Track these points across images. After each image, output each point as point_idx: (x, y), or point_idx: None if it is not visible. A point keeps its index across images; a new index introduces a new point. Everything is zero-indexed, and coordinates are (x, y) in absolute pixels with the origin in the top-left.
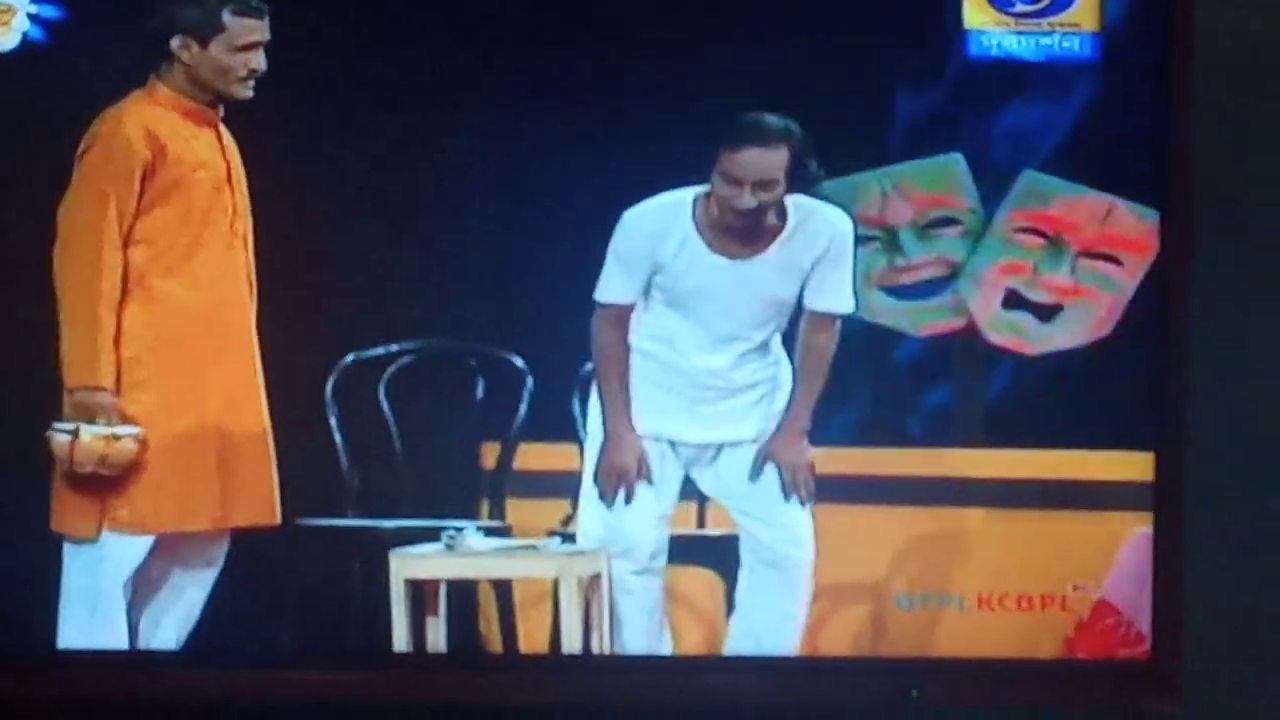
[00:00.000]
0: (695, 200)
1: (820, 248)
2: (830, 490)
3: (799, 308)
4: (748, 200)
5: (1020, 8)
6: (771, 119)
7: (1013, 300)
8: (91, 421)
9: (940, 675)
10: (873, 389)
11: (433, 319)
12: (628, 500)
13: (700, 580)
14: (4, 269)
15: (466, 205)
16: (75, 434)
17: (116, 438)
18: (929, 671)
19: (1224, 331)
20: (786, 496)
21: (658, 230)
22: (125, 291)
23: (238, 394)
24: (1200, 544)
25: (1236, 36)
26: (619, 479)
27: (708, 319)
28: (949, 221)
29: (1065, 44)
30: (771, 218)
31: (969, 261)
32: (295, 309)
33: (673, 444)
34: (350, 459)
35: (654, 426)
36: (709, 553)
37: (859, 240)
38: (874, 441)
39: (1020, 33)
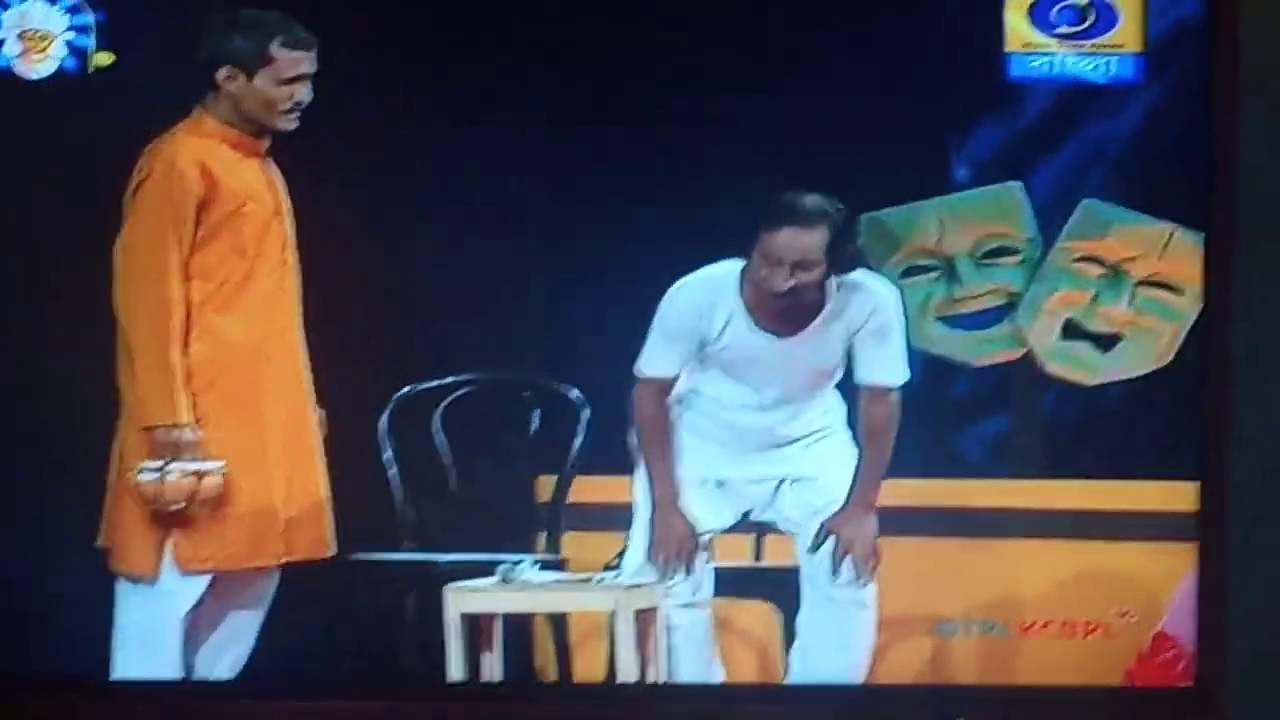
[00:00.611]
0: (743, 273)
1: (862, 320)
2: (885, 522)
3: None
4: (783, 282)
5: (1063, 29)
6: (811, 199)
7: (1071, 330)
8: (176, 457)
9: (985, 703)
10: (930, 419)
11: (488, 351)
12: (687, 573)
13: (757, 613)
14: (47, 295)
15: (523, 236)
16: (163, 472)
17: (205, 473)
18: (974, 699)
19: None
20: (835, 571)
21: (705, 305)
22: (185, 328)
23: (292, 427)
24: (1245, 567)
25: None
26: (675, 554)
27: (757, 384)
28: (1007, 251)
29: (1108, 65)
30: (813, 294)
31: (1027, 291)
32: (350, 341)
33: (721, 483)
34: (405, 492)
35: (702, 471)
36: (766, 585)
37: (916, 270)
38: (929, 472)
39: (1063, 54)
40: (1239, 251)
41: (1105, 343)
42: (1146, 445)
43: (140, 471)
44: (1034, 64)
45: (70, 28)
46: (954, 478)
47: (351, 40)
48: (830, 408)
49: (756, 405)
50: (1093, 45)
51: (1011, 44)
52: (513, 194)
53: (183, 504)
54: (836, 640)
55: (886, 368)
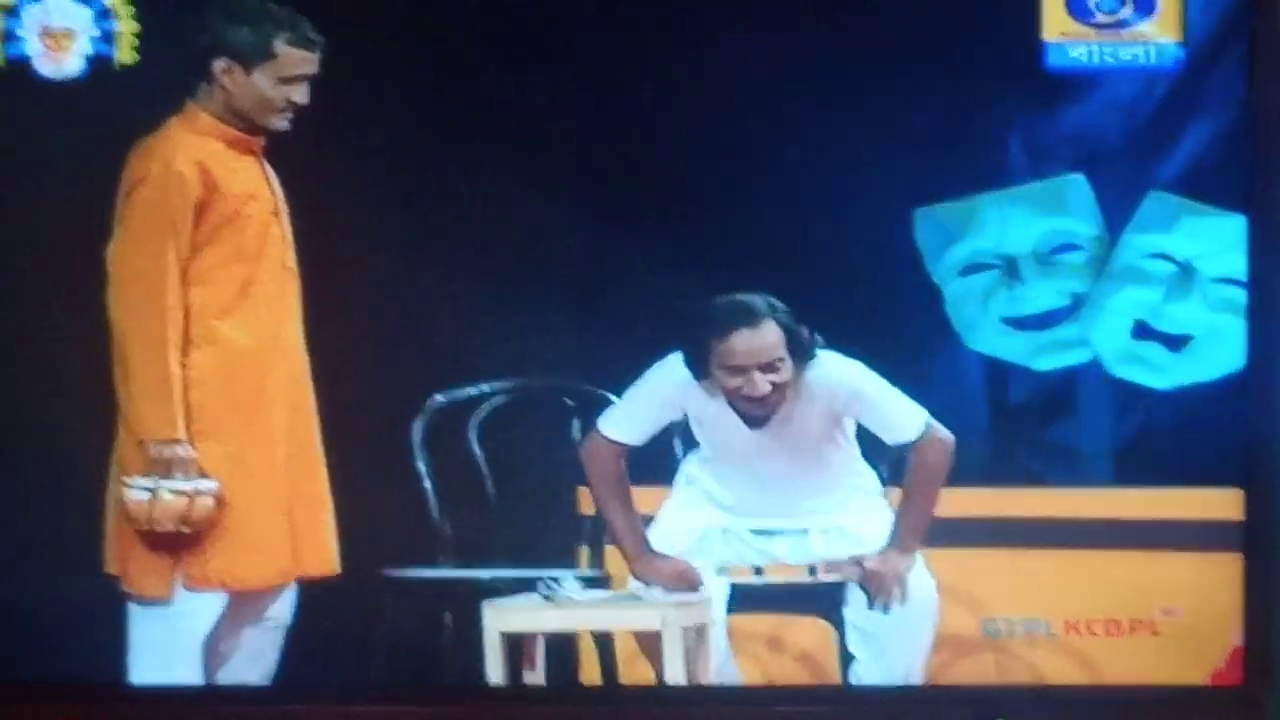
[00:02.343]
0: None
1: (837, 399)
2: (946, 532)
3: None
4: (757, 386)
5: (1100, 18)
6: (748, 299)
7: (1141, 331)
8: (168, 476)
9: (1028, 702)
10: (991, 426)
11: (526, 357)
12: (694, 590)
13: (812, 630)
14: (53, 299)
15: (564, 237)
16: (154, 492)
17: (198, 493)
18: (1017, 698)
19: None
20: (871, 605)
21: (690, 387)
22: (185, 335)
23: (299, 437)
24: None
25: None
26: (672, 584)
27: (755, 477)
28: (1071, 247)
29: (1147, 53)
30: (782, 398)
31: (1093, 290)
32: (382, 348)
33: (754, 531)
34: (441, 506)
35: (725, 521)
36: (820, 601)
37: (974, 269)
38: (989, 481)
39: (1101, 43)
40: None
41: (1176, 344)
42: (1223, 451)
43: (129, 489)
44: (1072, 53)
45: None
46: (1015, 486)
47: (373, 37)
48: (857, 472)
49: (762, 497)
50: (1130, 34)
51: (1049, 33)
52: (555, 193)
53: (171, 527)
54: (888, 649)
55: (895, 429)
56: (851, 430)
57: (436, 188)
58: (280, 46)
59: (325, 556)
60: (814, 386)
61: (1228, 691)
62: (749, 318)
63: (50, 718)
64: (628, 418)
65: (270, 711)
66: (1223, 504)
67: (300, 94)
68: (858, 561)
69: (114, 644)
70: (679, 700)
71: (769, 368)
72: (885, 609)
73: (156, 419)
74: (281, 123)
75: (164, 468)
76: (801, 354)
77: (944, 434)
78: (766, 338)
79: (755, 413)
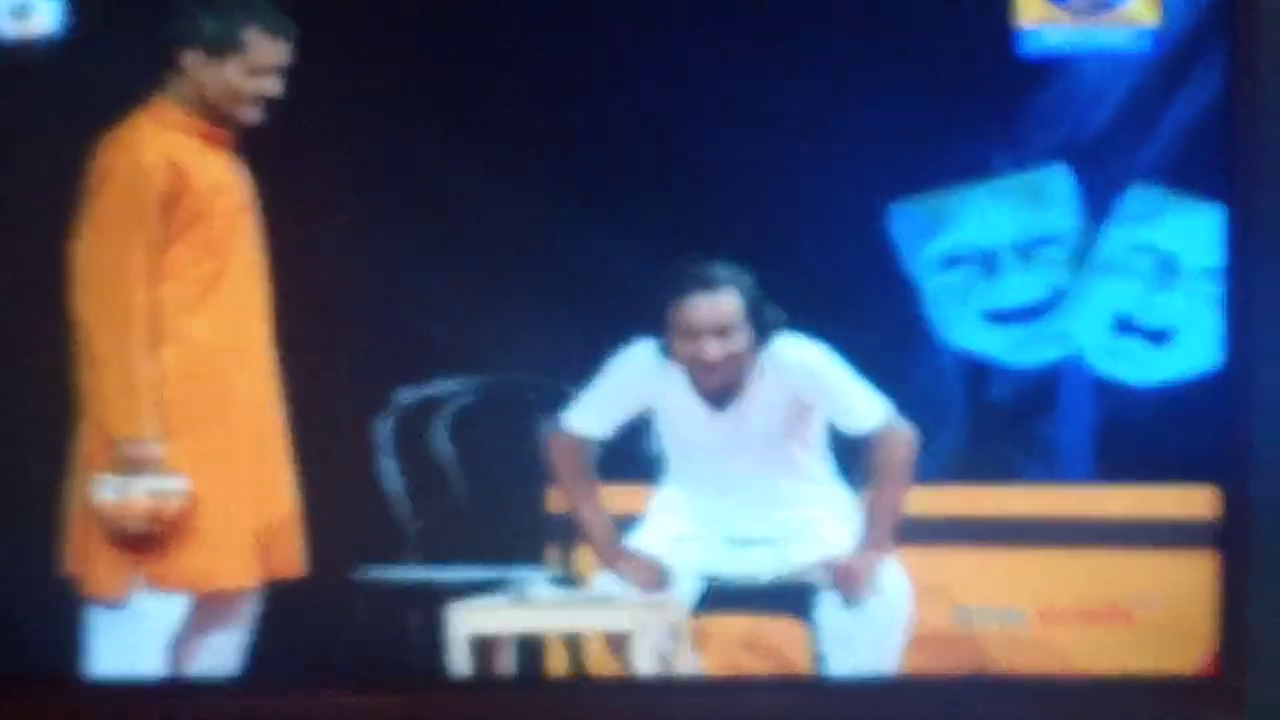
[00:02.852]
0: (663, 351)
1: (797, 382)
2: (922, 531)
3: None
4: (715, 351)
5: (1077, 3)
6: (710, 266)
7: (1123, 325)
8: (137, 475)
9: (1002, 692)
10: (971, 423)
11: (493, 353)
12: (662, 589)
13: (785, 630)
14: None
15: (531, 233)
16: (124, 490)
17: (168, 492)
18: (988, 689)
19: None
20: (844, 602)
21: (653, 374)
22: (153, 332)
23: (265, 436)
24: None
25: None
26: (640, 582)
27: (723, 480)
28: (1052, 241)
29: (1122, 38)
30: (739, 372)
31: (1075, 284)
32: (347, 345)
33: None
34: (407, 505)
35: (699, 529)
36: (792, 600)
37: (953, 262)
38: (971, 478)
39: (1077, 27)
40: (1263, 235)
41: (1159, 338)
42: (1201, 447)
43: (100, 487)
44: (1049, 38)
45: None
46: (993, 483)
47: (341, 28)
48: (829, 483)
49: (730, 516)
50: (1108, 18)
51: (1025, 18)
52: (521, 189)
53: (142, 526)
54: (860, 650)
55: (850, 414)
56: (820, 438)
57: (401, 184)
58: (250, 35)
59: (292, 557)
60: (774, 369)
61: (1204, 681)
62: (707, 283)
63: (10, 712)
64: (592, 409)
65: (233, 702)
66: (1199, 501)
67: (271, 85)
68: (828, 562)
69: (73, 637)
70: (649, 691)
71: (723, 333)
72: (854, 605)
73: (126, 417)
74: (252, 114)
75: (133, 466)
76: (762, 327)
77: (904, 427)
78: (723, 303)
79: (712, 384)
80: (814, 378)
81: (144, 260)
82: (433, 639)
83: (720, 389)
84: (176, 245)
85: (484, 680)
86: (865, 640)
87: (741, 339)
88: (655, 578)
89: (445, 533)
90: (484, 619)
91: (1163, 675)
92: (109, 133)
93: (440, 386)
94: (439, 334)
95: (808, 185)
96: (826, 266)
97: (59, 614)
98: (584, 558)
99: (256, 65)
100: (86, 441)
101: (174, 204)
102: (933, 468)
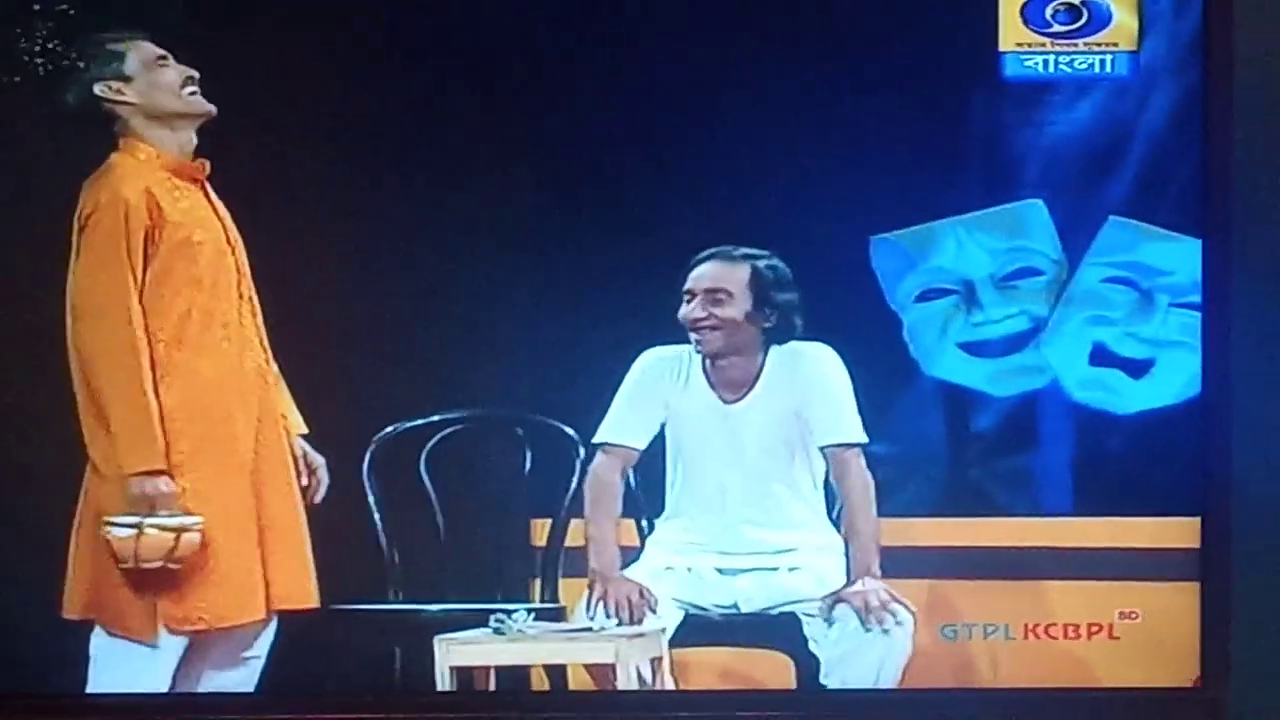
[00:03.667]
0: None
1: (805, 385)
2: (905, 563)
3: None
4: (696, 310)
5: (1056, 27)
6: (744, 248)
7: (1101, 356)
8: (151, 512)
9: (987, 705)
10: (949, 454)
11: (477, 387)
12: (635, 622)
13: (771, 664)
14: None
15: (514, 264)
16: (139, 528)
17: (183, 529)
18: (972, 702)
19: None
20: (866, 628)
21: (671, 368)
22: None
23: (271, 471)
24: (1251, 566)
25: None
26: (625, 610)
27: (720, 482)
28: (1029, 272)
29: (1102, 63)
30: (751, 355)
31: (1053, 315)
32: (328, 378)
33: (717, 570)
34: (390, 538)
35: (689, 560)
36: (779, 633)
37: (934, 295)
38: (949, 511)
39: (1057, 53)
40: (1240, 265)
41: (1137, 368)
42: (1181, 477)
43: (113, 526)
44: (1028, 63)
45: None
46: (975, 515)
47: (332, 48)
48: (821, 519)
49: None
50: (1086, 44)
51: (1005, 43)
52: (504, 219)
53: (158, 563)
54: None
55: (836, 426)
56: (817, 471)
57: (385, 216)
58: (127, 45)
59: (304, 589)
60: (785, 366)
61: (1186, 691)
62: (725, 255)
63: None
64: (620, 419)
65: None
66: (1180, 532)
67: (179, 70)
68: (837, 595)
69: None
70: (634, 706)
71: (715, 298)
72: (885, 630)
73: (137, 452)
74: (202, 103)
75: (148, 503)
76: (767, 307)
77: (863, 462)
78: (730, 272)
79: (712, 350)
80: (817, 373)
81: (136, 294)
82: (416, 673)
83: (722, 377)
84: (163, 280)
85: (467, 697)
86: (863, 670)
87: (735, 310)
88: (638, 607)
89: (429, 566)
90: (468, 652)
91: (1146, 687)
92: (89, 178)
93: (423, 420)
94: (424, 369)
95: (790, 217)
96: (808, 298)
97: (63, 633)
98: (567, 590)
99: (149, 57)
100: (94, 485)
101: (154, 236)
102: (913, 499)
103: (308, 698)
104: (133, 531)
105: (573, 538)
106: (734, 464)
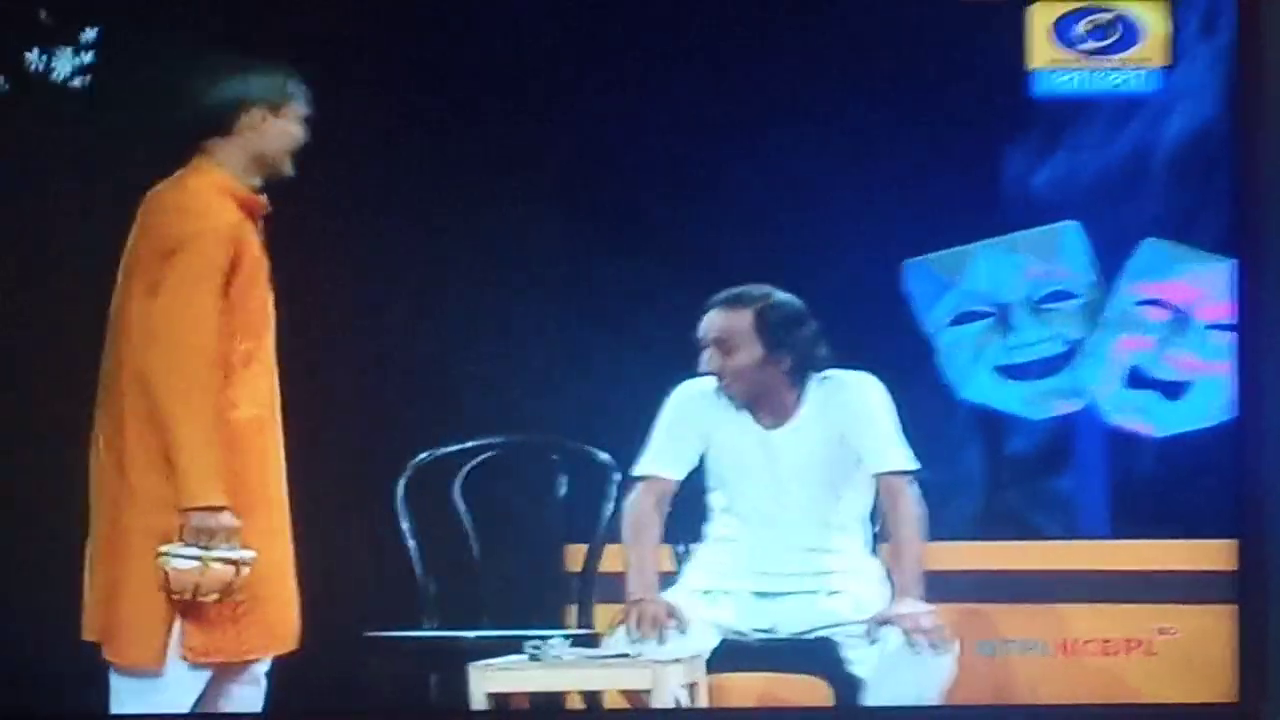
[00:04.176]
0: None
1: (849, 413)
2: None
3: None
4: (709, 362)
5: (1089, 45)
6: (745, 287)
7: (1137, 379)
8: (209, 545)
9: None
10: (986, 478)
11: (512, 413)
12: (661, 642)
13: (808, 688)
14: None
15: (548, 291)
16: (203, 561)
17: (243, 563)
18: (1013, 718)
19: None
20: (914, 649)
21: (708, 398)
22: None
23: (278, 508)
24: None
25: None
26: (650, 628)
27: (760, 508)
28: (1064, 295)
29: (1133, 80)
30: (785, 386)
31: (1088, 338)
32: (364, 405)
33: (760, 594)
34: (425, 565)
35: (731, 583)
36: (817, 658)
37: (966, 318)
38: (986, 535)
39: (1089, 70)
40: (1276, 286)
41: (1173, 390)
42: (1221, 501)
43: (172, 558)
44: (1059, 80)
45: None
46: (1012, 540)
47: (354, 86)
48: (864, 545)
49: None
50: (1119, 60)
51: (1036, 60)
52: (541, 246)
53: (215, 596)
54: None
55: (883, 454)
56: (864, 502)
57: (414, 242)
58: (293, 85)
59: (289, 633)
60: (826, 395)
61: (1225, 707)
62: (726, 300)
63: None
64: (663, 449)
65: None
66: (1217, 555)
67: (303, 128)
68: (883, 616)
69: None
70: None
71: (724, 347)
72: (935, 651)
73: (203, 485)
74: (290, 166)
75: (208, 535)
76: (781, 347)
77: (915, 487)
78: (733, 320)
79: (737, 394)
80: (861, 402)
81: (216, 328)
82: (452, 700)
83: (759, 405)
84: (228, 315)
85: (502, 715)
86: (904, 689)
87: (747, 356)
88: (664, 625)
89: (463, 593)
90: (503, 679)
91: (1183, 703)
92: (152, 189)
93: (457, 446)
94: (458, 395)
95: (824, 241)
96: (843, 322)
97: (83, 658)
98: (602, 616)
99: (301, 112)
100: (128, 511)
101: (234, 276)
102: (949, 523)
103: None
104: (196, 564)
105: (607, 563)
106: (775, 489)
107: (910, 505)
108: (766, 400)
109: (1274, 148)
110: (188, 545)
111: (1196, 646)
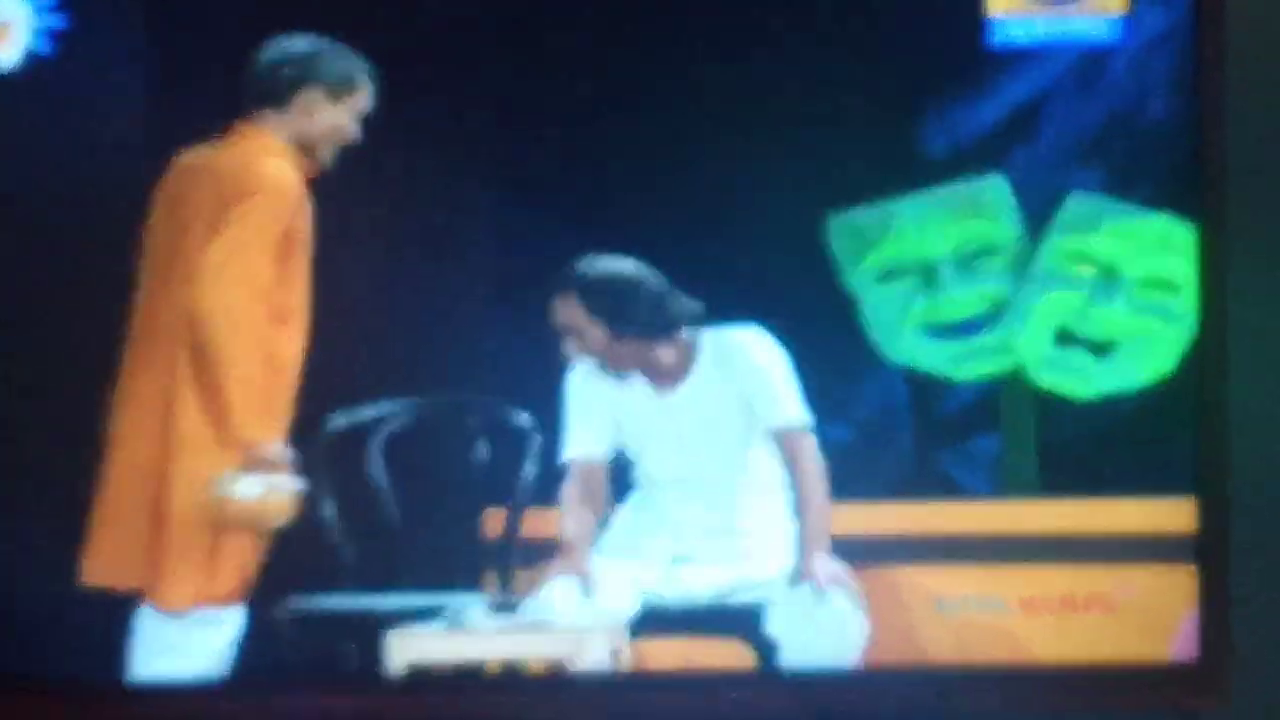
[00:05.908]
0: None
1: (739, 371)
2: (867, 550)
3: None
4: (569, 348)
5: None
6: (565, 270)
7: (1064, 338)
8: (272, 475)
9: (981, 682)
10: (913, 439)
11: (428, 374)
12: (586, 594)
13: (727, 653)
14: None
15: (464, 248)
16: (269, 488)
17: (297, 492)
18: (969, 678)
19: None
20: (826, 604)
21: (599, 374)
22: None
23: None
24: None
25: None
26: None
27: (670, 471)
28: (991, 252)
29: (1092, 28)
30: (664, 352)
31: (1015, 296)
32: None
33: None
34: (341, 530)
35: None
36: (738, 622)
37: (891, 276)
38: (914, 495)
39: (1046, 17)
40: (1234, 244)
41: (1101, 350)
42: (1147, 461)
43: (238, 485)
44: (1015, 29)
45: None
46: (940, 500)
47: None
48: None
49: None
50: (1076, 8)
51: (993, 7)
52: (454, 200)
53: (277, 526)
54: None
55: (776, 408)
56: (773, 460)
57: (333, 196)
58: (363, 80)
59: None
60: (716, 353)
61: (1185, 667)
62: (557, 287)
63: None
64: (575, 433)
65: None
66: (1176, 513)
67: (357, 131)
68: (792, 576)
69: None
70: (598, 687)
71: (569, 332)
72: (841, 602)
73: (262, 420)
74: (332, 158)
75: (268, 466)
76: (622, 318)
77: (812, 436)
78: (564, 307)
79: (618, 373)
80: (749, 359)
81: (274, 276)
82: (370, 668)
83: (647, 372)
84: (284, 274)
85: (424, 680)
86: (822, 646)
87: (594, 336)
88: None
89: (381, 560)
90: (421, 647)
91: (1145, 663)
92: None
93: (373, 410)
94: (373, 356)
95: (745, 194)
96: (764, 280)
97: (96, 619)
98: (523, 583)
99: (360, 109)
100: (183, 457)
101: (294, 229)
102: (881, 483)
103: (271, 685)
104: (260, 492)
105: (528, 528)
106: (681, 451)
107: (809, 460)
108: (649, 367)
109: (1234, 100)
110: (248, 475)
111: (1156, 604)
